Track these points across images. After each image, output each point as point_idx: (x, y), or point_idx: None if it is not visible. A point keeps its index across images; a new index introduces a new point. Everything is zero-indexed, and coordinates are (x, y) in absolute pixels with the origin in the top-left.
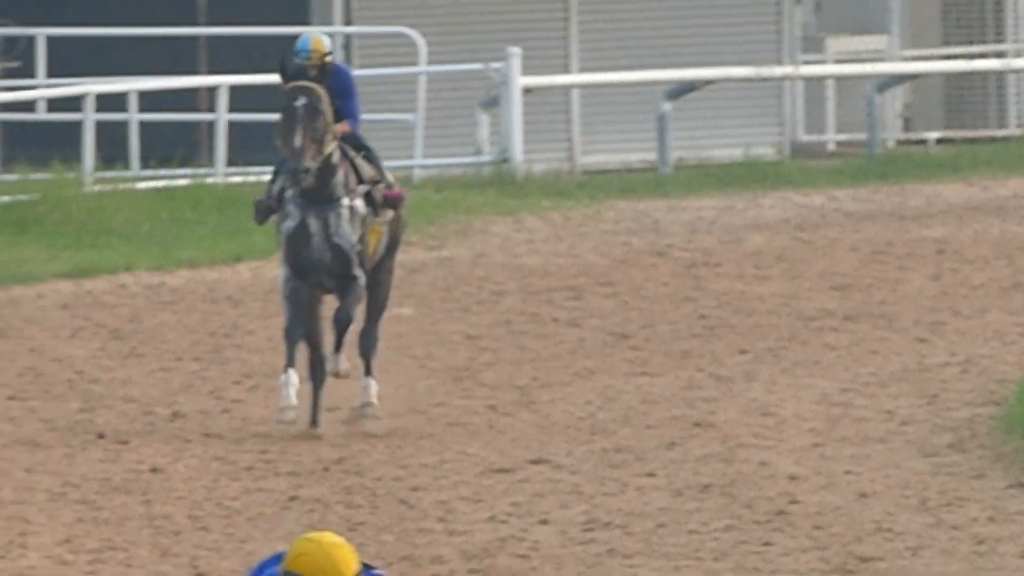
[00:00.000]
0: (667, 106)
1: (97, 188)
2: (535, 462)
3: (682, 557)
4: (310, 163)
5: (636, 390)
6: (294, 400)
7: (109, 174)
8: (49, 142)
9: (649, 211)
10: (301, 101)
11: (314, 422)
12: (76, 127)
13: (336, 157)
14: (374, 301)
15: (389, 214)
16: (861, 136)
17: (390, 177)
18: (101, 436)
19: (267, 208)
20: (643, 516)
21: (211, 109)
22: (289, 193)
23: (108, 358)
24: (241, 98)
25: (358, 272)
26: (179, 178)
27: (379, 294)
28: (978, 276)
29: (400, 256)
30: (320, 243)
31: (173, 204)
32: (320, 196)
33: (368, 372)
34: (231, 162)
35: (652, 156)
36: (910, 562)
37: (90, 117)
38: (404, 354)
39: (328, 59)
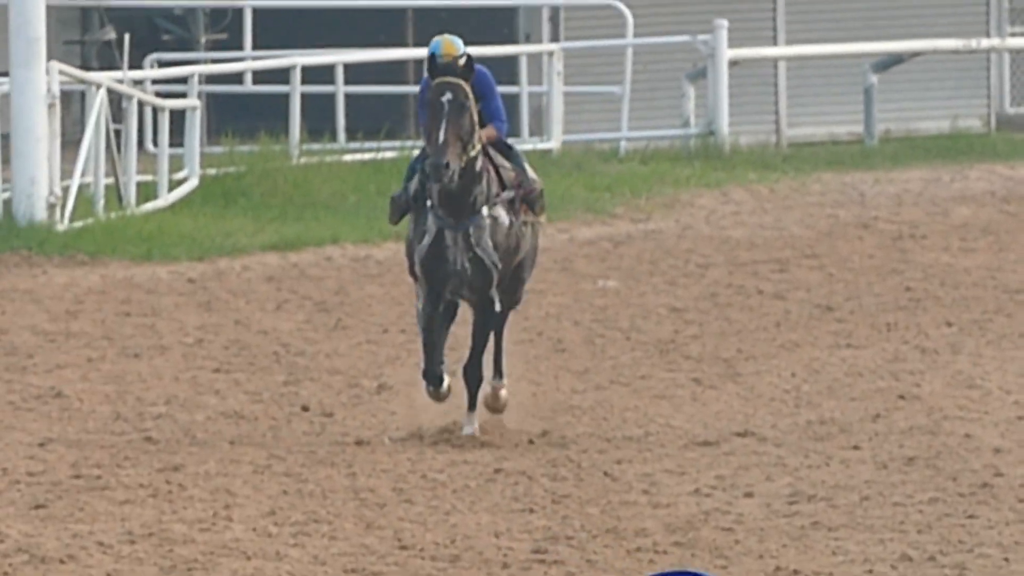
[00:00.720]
0: (874, 78)
1: (303, 161)
2: (740, 435)
3: (886, 530)
4: (453, 160)
5: (841, 362)
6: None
7: (315, 146)
8: (256, 114)
9: (855, 183)
10: (447, 96)
11: None
12: (283, 99)
13: (480, 163)
14: (510, 291)
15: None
16: None
17: (531, 173)
18: (306, 408)
19: (404, 207)
20: (847, 489)
21: (418, 81)
22: (428, 202)
23: (313, 331)
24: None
25: (495, 295)
26: (385, 150)
27: (516, 286)
28: None
29: (605, 228)
30: (459, 256)
31: (380, 176)
32: (461, 207)
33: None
34: None
35: (858, 128)
36: None
37: (297, 89)
38: (609, 327)
39: (463, 61)
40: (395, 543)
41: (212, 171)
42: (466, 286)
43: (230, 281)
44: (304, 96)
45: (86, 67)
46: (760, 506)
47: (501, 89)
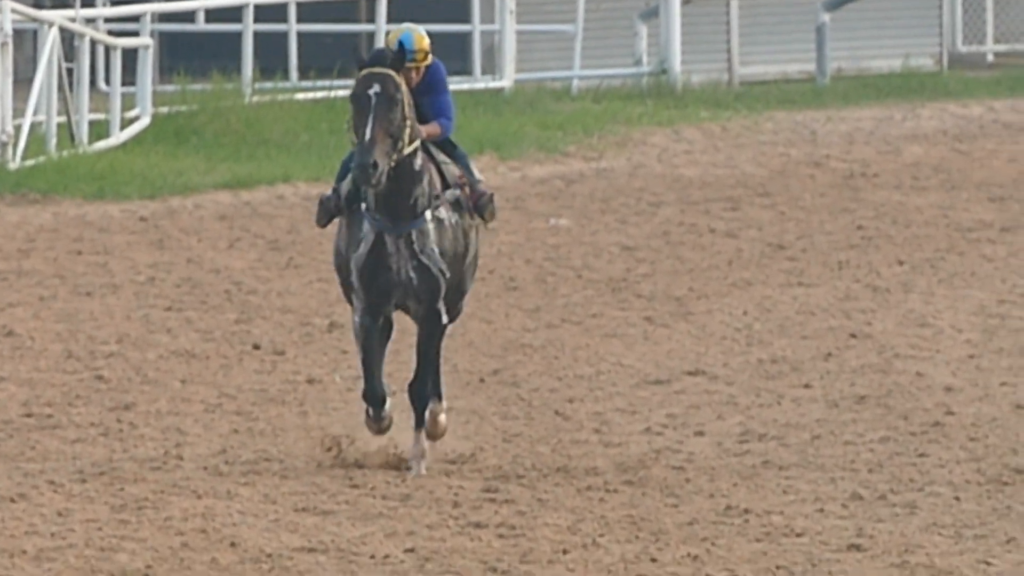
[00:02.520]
0: (825, 17)
1: (256, 99)
2: (691, 373)
3: (837, 468)
4: (381, 159)
5: (792, 301)
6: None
7: (268, 85)
8: (208, 53)
9: (807, 122)
10: (375, 89)
11: None
12: (235, 38)
13: (419, 162)
14: (453, 302)
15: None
16: (1021, 47)
17: (478, 175)
18: (257, 347)
19: (334, 210)
20: (798, 427)
21: (370, 20)
22: (362, 205)
23: (265, 269)
24: (400, 8)
25: (441, 306)
26: (338, 89)
27: (458, 297)
28: None
29: (558, 167)
30: (403, 264)
31: (332, 115)
32: (399, 208)
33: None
34: None
35: (810, 67)
36: None
37: (249, 28)
38: (561, 265)
39: (429, 58)
40: (346, 481)
41: (164, 110)
42: (411, 297)
43: (182, 219)
44: (256, 34)
45: (38, 5)
46: (711, 445)
47: (453, 27)
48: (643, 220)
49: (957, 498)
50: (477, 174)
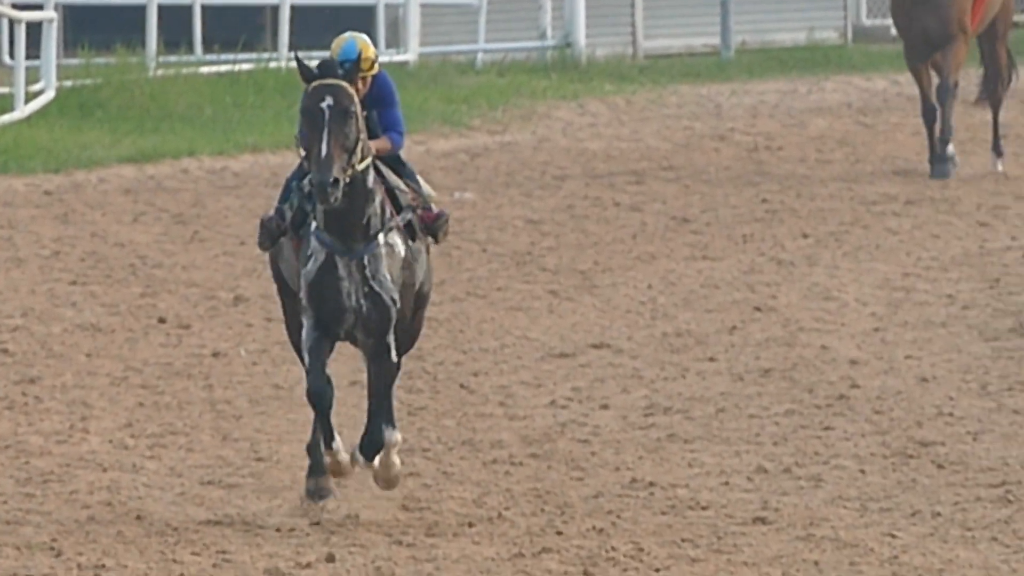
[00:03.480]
0: None
1: (160, 73)
2: (596, 347)
3: (742, 442)
4: (340, 175)
5: (697, 274)
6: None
7: (172, 59)
8: (112, 26)
9: (711, 95)
10: (327, 102)
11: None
12: (139, 11)
13: (371, 179)
14: (404, 332)
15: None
16: None
17: (427, 190)
18: (163, 321)
19: (276, 232)
20: (703, 401)
21: None
22: (313, 224)
23: (170, 243)
24: None
25: (391, 340)
26: (242, 63)
27: (411, 325)
28: None
29: (462, 140)
30: (353, 289)
31: (236, 89)
32: (351, 229)
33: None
34: (294, 46)
35: (715, 40)
36: (971, 447)
37: (153, 1)
38: (466, 239)
39: (376, 67)
40: (251, 455)
41: (68, 83)
42: (360, 326)
43: (87, 193)
44: (161, 8)
45: None
46: (616, 418)
47: (358, 0)
48: (548, 194)
49: (862, 471)
50: (426, 187)
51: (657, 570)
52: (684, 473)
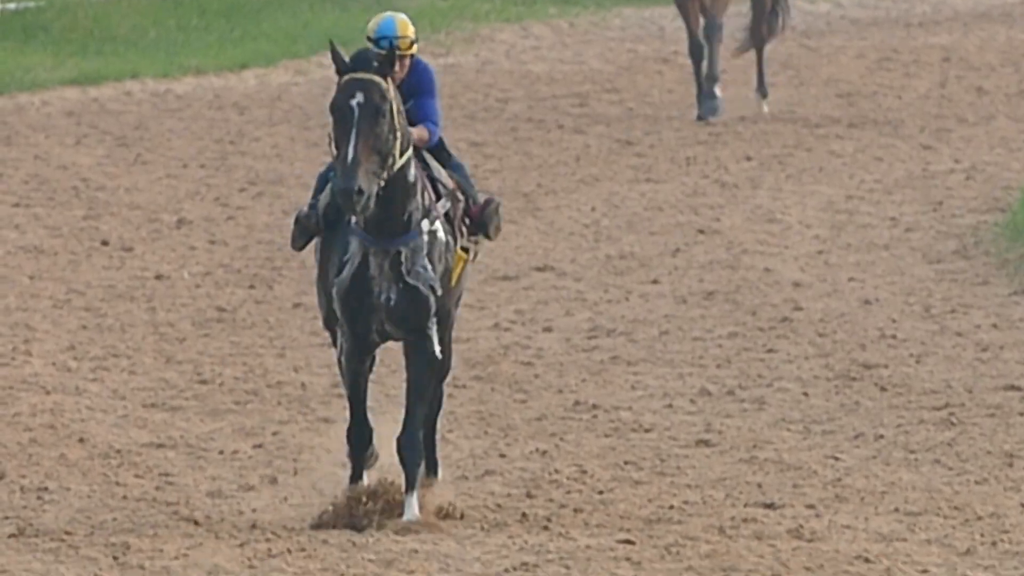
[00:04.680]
0: None
1: None
2: (539, 269)
3: (685, 364)
4: (366, 183)
5: (641, 197)
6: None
7: None
8: None
9: (654, 18)
10: (358, 99)
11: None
12: None
13: (413, 173)
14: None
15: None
16: None
17: (475, 190)
18: (106, 243)
19: (313, 230)
20: (647, 323)
21: None
22: (351, 220)
23: (113, 165)
24: None
25: (432, 331)
26: None
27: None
28: (984, 83)
29: None
30: (386, 286)
31: (180, 11)
32: (392, 225)
33: (411, 485)
34: None
35: None
36: (914, 369)
37: None
38: None
39: (415, 48)
40: (194, 377)
41: (11, 6)
42: (395, 322)
43: (29, 116)
44: None
45: None
46: (559, 340)
47: None
48: (491, 116)
49: (805, 394)
50: (474, 190)
51: (600, 492)
52: (627, 395)
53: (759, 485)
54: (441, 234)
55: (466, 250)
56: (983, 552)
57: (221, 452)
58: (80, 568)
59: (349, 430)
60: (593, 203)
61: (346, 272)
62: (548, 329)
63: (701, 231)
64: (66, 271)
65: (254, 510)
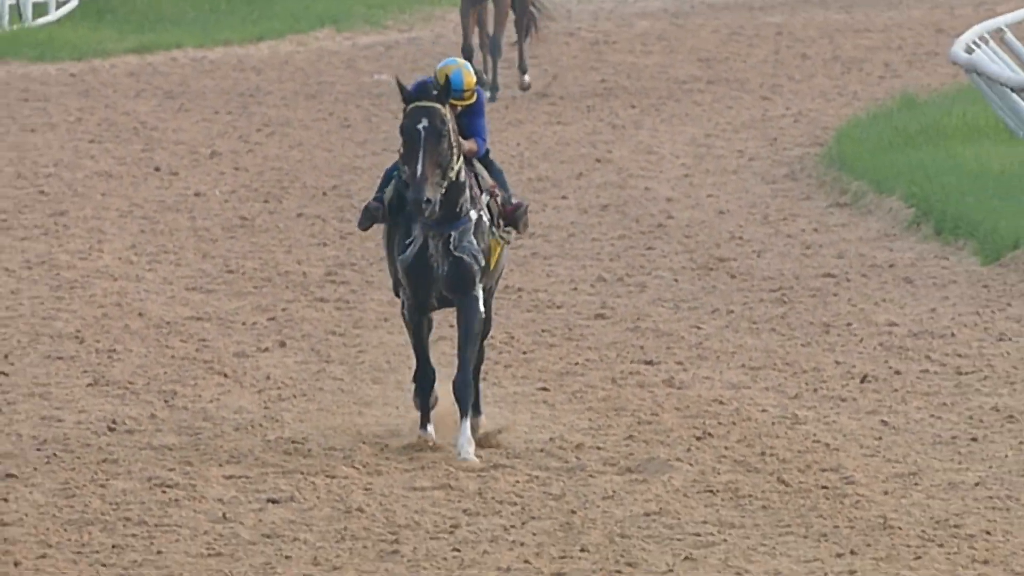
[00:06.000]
0: None
1: None
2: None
3: (587, 258)
4: (432, 193)
5: (553, 135)
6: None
7: None
8: None
9: (563, 3)
10: (423, 124)
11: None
12: None
13: (463, 173)
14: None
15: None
16: None
17: (511, 191)
18: (157, 169)
19: (378, 218)
20: (558, 228)
21: None
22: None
23: (163, 112)
24: None
25: (478, 292)
26: None
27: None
28: (807, 51)
29: (379, 36)
30: (440, 260)
31: None
32: (447, 215)
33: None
34: None
35: None
36: (755, 261)
37: None
38: (382, 109)
39: (475, 96)
40: (224, 268)
41: None
42: (448, 287)
43: (101, 76)
44: None
45: None
46: None
47: None
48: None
49: (676, 280)
50: (510, 191)
51: (524, 352)
52: (543, 281)
53: (641, 347)
54: (484, 219)
55: (502, 238)
56: (807, 396)
57: (244, 323)
58: (140, 409)
59: (416, 373)
60: (517, 140)
61: (410, 251)
62: None
63: (598, 160)
64: (128, 190)
65: (269, 366)
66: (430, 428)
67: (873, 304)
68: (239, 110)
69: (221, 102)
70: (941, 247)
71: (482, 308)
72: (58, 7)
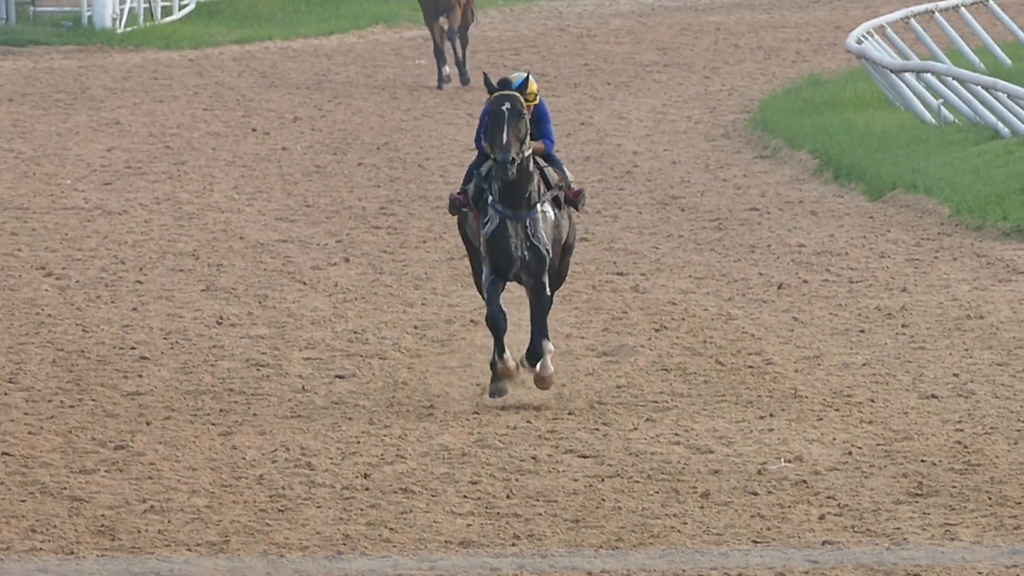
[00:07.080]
0: None
1: None
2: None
3: None
4: (514, 153)
5: (548, 105)
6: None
7: None
8: None
9: (557, 7)
10: (507, 106)
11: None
12: None
13: (531, 165)
14: (556, 275)
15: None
16: None
17: (570, 177)
18: (254, 130)
19: (461, 204)
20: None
21: None
22: (489, 198)
23: (258, 87)
24: None
25: (546, 280)
26: None
27: (560, 270)
28: (738, 42)
29: (423, 32)
30: (519, 243)
31: (295, 1)
32: (517, 200)
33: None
34: None
35: None
36: (700, 199)
37: None
38: (421, 84)
39: (538, 99)
40: (303, 203)
41: None
42: (525, 270)
43: (211, 60)
44: None
45: None
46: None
47: None
48: (469, 60)
49: (640, 212)
50: (570, 176)
51: None
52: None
53: (614, 263)
54: (550, 214)
55: (567, 216)
56: (738, 299)
57: (318, 244)
58: (240, 308)
59: (487, 318)
60: None
61: (488, 228)
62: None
63: (582, 124)
64: (232, 145)
65: (336, 276)
66: (507, 354)
67: (787, 230)
68: (314, 86)
69: (301, 80)
70: (838, 188)
71: (549, 291)
72: (180, 9)
